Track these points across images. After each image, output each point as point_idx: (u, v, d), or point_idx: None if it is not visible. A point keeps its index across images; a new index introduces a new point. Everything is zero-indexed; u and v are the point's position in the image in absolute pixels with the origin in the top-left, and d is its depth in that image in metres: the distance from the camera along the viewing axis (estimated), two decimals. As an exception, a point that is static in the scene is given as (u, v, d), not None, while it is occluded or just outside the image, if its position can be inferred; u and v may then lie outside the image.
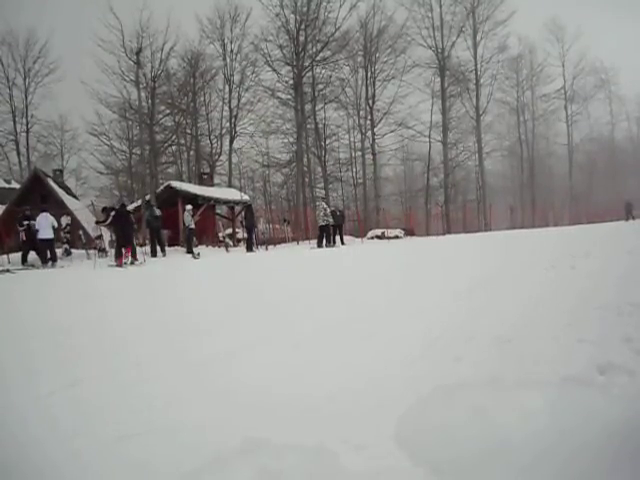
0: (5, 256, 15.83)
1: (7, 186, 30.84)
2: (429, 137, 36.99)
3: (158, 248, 17.05)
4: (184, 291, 7.11)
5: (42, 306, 6.32)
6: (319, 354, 3.06)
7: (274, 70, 34.20)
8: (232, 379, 2.70)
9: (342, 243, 19.33)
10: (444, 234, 27.15)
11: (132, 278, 9.91)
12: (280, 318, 4.40)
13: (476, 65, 36.83)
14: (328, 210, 18.68)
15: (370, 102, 35.70)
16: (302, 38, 33.13)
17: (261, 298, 5.70)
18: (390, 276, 6.85)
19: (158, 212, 17.74)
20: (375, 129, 35.95)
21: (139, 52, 28.16)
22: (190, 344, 3.63)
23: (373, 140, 35.80)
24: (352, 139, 37.49)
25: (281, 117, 35.18)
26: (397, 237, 23.48)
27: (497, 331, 2.99)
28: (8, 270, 13.06)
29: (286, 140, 35.63)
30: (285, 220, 25.08)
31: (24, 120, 36.13)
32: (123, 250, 13.37)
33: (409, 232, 25.52)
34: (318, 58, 33.81)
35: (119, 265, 12.85)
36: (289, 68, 34.12)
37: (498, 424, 1.43)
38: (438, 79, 36.30)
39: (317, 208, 19.36)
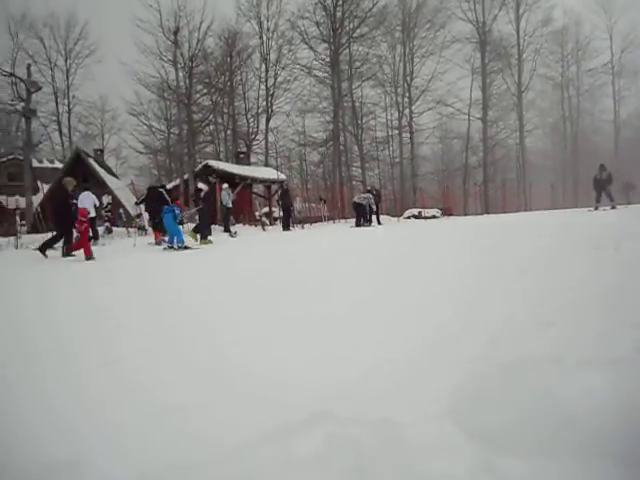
0: (50, 234, 16.30)
1: (50, 166, 31.72)
2: (468, 115, 36.25)
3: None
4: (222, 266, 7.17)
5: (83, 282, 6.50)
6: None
7: (311, 48, 33.89)
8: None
9: (378, 223, 19.22)
10: (482, 214, 26.65)
11: (172, 256, 10.07)
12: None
13: (518, 39, 35.75)
14: (362, 195, 18.71)
15: (408, 79, 35.10)
16: (339, 14, 32.63)
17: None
18: (423, 255, 6.75)
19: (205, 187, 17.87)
20: (413, 107, 35.39)
21: (177, 32, 28.30)
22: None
23: (410, 118, 35.27)
24: (389, 117, 37.04)
25: (317, 95, 34.94)
26: (434, 217, 23.19)
27: (538, 314, 2.90)
28: (53, 247, 13.45)
29: (322, 119, 35.43)
30: (321, 199, 25.04)
31: (66, 101, 37.04)
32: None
33: (446, 212, 25.16)
34: (355, 35, 33.29)
35: (157, 243, 13.04)
36: (326, 45, 33.73)
37: (560, 400, 1.39)
38: (478, 54, 35.42)
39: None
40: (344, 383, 2.16)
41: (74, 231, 10.90)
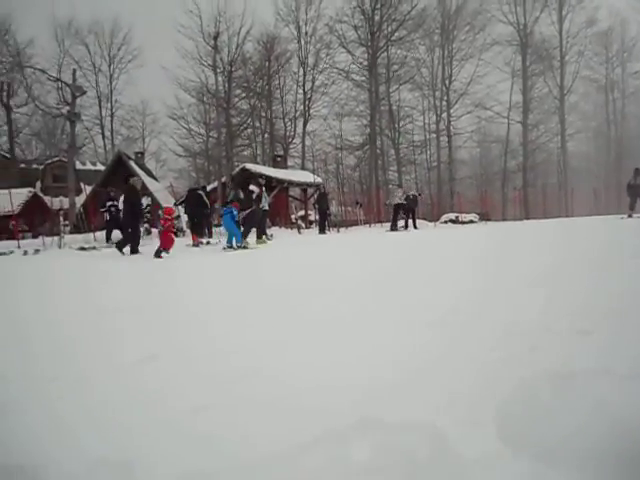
0: (92, 234, 16.78)
1: (93, 168, 32.65)
2: (508, 118, 35.70)
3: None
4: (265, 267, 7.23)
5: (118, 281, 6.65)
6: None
7: (348, 51, 34.01)
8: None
9: (415, 227, 19.06)
10: (522, 219, 26.13)
11: (213, 257, 10.21)
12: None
13: (561, 41, 34.98)
14: (398, 193, 18.53)
15: (446, 82, 34.78)
16: (377, 17, 32.65)
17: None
18: (462, 263, 6.65)
19: (242, 194, 18.14)
20: (451, 110, 35.05)
21: (217, 37, 28.77)
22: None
23: (449, 122, 34.92)
24: (427, 121, 36.81)
25: (355, 99, 35.01)
26: (471, 221, 22.83)
27: (577, 323, 2.82)
28: (94, 247, 13.83)
29: (359, 122, 35.48)
30: (357, 203, 25.00)
31: (109, 105, 38.25)
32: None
33: (484, 216, 24.73)
34: (393, 38, 33.25)
35: (195, 245, 13.23)
36: (364, 49, 33.78)
37: (615, 415, 1.34)
38: (519, 57, 34.85)
39: (392, 192, 19.21)
40: (394, 385, 2.13)
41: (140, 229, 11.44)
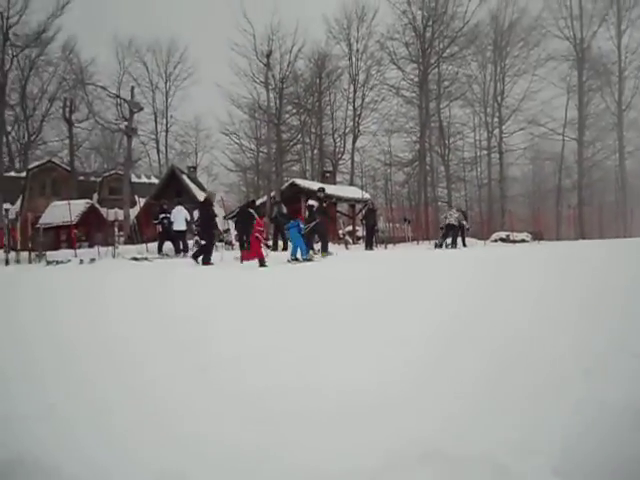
0: (144, 245, 17.32)
1: (147, 181, 33.68)
2: (563, 135, 34.70)
3: (280, 243, 17.66)
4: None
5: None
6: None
7: (399, 68, 34.02)
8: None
9: (464, 245, 18.75)
10: (577, 239, 25.26)
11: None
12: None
13: (620, 56, 33.85)
14: (454, 214, 18.30)
15: (499, 99, 34.26)
16: (429, 34, 32.58)
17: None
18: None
19: (285, 209, 18.39)
20: (503, 127, 34.47)
21: (269, 54, 29.39)
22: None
23: (500, 138, 34.34)
24: (478, 137, 36.29)
25: (404, 115, 34.93)
26: (523, 241, 22.27)
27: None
28: (146, 258, 14.26)
29: (409, 139, 35.33)
30: (406, 219, 24.82)
31: (164, 121, 39.59)
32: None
33: (537, 236, 24.05)
34: (445, 54, 33.09)
35: (242, 260, 13.32)
36: (414, 65, 33.77)
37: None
38: (575, 72, 33.92)
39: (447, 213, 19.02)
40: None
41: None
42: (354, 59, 34.76)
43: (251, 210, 14.07)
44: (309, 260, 11.96)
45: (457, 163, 36.06)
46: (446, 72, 34.05)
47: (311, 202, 14.17)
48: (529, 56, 33.66)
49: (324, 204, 15.53)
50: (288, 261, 11.96)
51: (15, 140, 35.49)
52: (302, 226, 12.39)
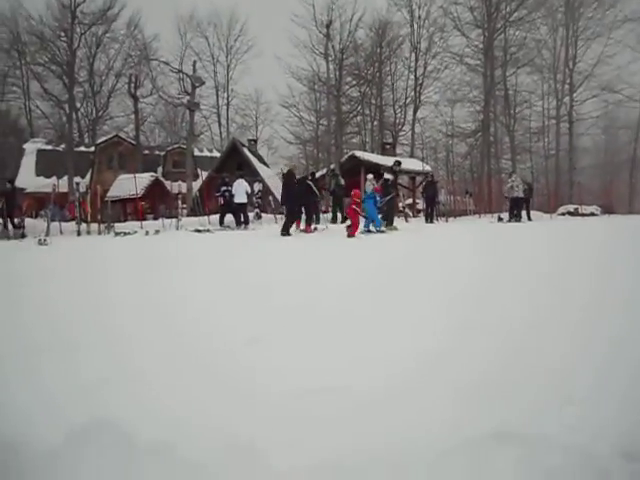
0: (206, 217, 17.79)
1: (209, 155, 34.43)
2: (640, 102, 32.55)
3: (338, 215, 17.70)
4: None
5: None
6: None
7: (463, 34, 32.76)
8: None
9: (529, 218, 18.19)
10: (651, 212, 23.89)
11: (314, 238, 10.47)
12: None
13: None
14: (517, 183, 17.67)
15: (570, 64, 32.41)
16: (495, -2, 31.13)
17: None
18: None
19: (342, 181, 18.36)
20: (574, 94, 32.64)
21: (329, 24, 29.08)
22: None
23: (571, 107, 32.60)
24: (546, 106, 34.53)
25: (468, 84, 33.69)
26: (592, 214, 21.33)
27: None
28: (208, 230, 14.68)
29: (472, 109, 34.15)
30: (467, 192, 24.25)
31: (225, 94, 40.04)
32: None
33: (607, 209, 22.94)
34: (512, 18, 31.52)
35: (306, 231, 13.47)
36: (479, 31, 32.42)
37: None
38: (655, 34, 31.51)
39: (507, 181, 18.38)
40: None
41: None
42: (416, 26, 33.80)
43: (309, 182, 14.12)
44: (382, 232, 12.05)
45: (523, 133, 34.63)
46: (513, 37, 32.48)
47: (387, 175, 14.10)
48: (604, 17, 31.49)
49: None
50: (361, 233, 12.10)
51: (84, 116, 36.81)
52: (378, 199, 12.47)
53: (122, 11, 32.05)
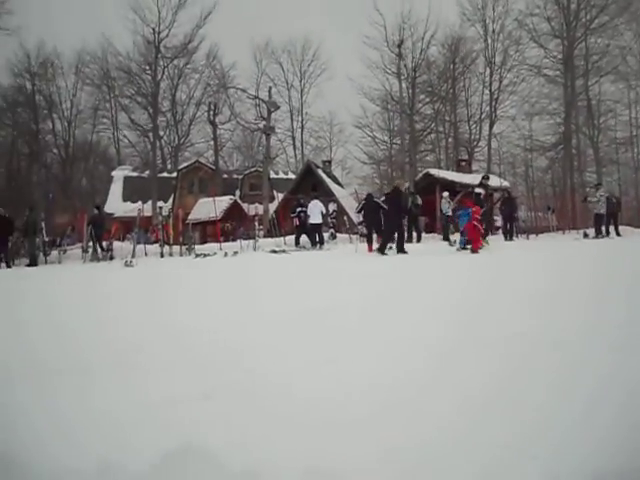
0: (282, 238, 18.13)
1: (285, 177, 35.23)
2: None
3: (414, 234, 17.49)
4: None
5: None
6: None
7: (540, 46, 31.70)
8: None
9: (617, 234, 17.18)
10: None
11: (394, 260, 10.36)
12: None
13: None
14: (604, 197, 16.78)
15: (660, 69, 30.61)
16: (574, 5, 30.03)
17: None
18: None
19: (420, 200, 18.19)
20: (664, 101, 30.77)
21: (401, 44, 29.19)
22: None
23: (661, 114, 30.71)
24: (633, 115, 32.77)
25: (547, 96, 32.45)
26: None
27: None
28: (284, 250, 14.93)
29: (552, 121, 32.82)
30: (549, 208, 23.27)
31: (299, 118, 40.93)
32: (375, 237, 13.85)
33: None
34: (593, 26, 30.20)
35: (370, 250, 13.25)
36: (558, 41, 31.29)
37: None
38: None
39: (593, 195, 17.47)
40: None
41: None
42: (490, 40, 33.16)
43: (377, 200, 14.05)
44: (465, 249, 11.86)
45: (608, 144, 32.85)
46: (595, 45, 31.10)
47: (478, 190, 13.84)
48: (694, 19, 29.64)
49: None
50: (457, 250, 12.10)
51: (167, 144, 38.77)
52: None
53: (201, 43, 33.65)
